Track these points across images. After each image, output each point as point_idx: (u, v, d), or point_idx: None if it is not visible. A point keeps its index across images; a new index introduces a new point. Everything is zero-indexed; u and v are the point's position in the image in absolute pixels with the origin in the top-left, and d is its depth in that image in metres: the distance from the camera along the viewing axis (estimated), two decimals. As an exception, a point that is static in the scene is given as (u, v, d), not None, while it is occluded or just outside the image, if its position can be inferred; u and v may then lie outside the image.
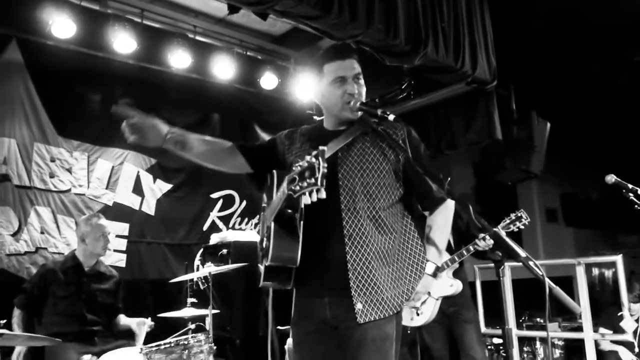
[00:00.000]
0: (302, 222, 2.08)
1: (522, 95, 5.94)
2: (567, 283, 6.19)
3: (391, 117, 2.13)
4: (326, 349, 2.19)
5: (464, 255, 4.05)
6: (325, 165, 1.73)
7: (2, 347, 3.04)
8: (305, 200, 1.76)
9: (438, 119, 5.48)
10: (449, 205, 2.31)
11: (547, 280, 1.84)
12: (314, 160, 1.73)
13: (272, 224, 2.09)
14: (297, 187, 1.74)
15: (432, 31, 4.43)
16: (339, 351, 2.14)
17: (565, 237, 9.74)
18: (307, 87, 5.67)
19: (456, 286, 4.12)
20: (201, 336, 3.42)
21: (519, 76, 5.88)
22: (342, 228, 2.13)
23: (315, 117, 6.32)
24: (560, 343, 5.05)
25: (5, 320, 3.10)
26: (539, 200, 9.18)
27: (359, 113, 2.22)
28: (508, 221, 4.04)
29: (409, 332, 4.60)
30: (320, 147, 1.76)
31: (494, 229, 1.97)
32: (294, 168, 1.79)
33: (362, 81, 2.28)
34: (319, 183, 1.71)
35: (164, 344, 3.31)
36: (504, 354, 5.18)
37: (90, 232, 3.93)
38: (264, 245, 2.25)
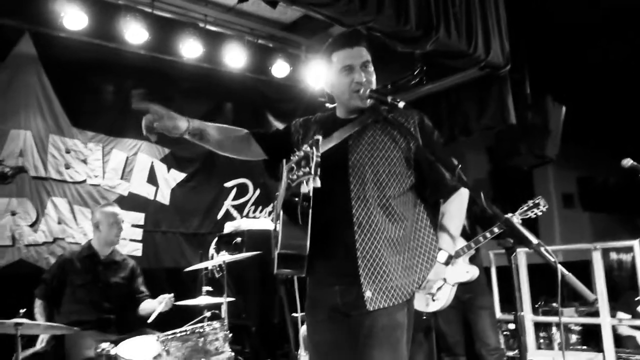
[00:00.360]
0: (310, 210, 2.06)
1: (536, 80, 5.87)
2: (584, 268, 6.13)
3: (401, 104, 2.12)
4: (338, 336, 2.20)
5: (480, 242, 4.04)
6: (319, 154, 1.76)
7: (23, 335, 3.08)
8: (303, 189, 1.77)
9: (451, 104, 5.42)
10: (463, 193, 2.28)
11: (559, 267, 1.82)
12: (308, 149, 1.75)
13: (281, 213, 2.11)
14: (295, 176, 1.78)
15: (443, 16, 4.38)
16: (351, 338, 2.14)
17: (583, 222, 9.63)
18: (319, 75, 5.65)
19: (472, 272, 4.12)
20: (216, 324, 3.46)
21: (534, 60, 5.81)
22: (352, 216, 2.13)
23: (327, 105, 6.30)
24: (577, 328, 5.01)
25: (25, 310, 3.14)
26: (555, 185, 9.07)
27: (369, 101, 2.20)
28: (525, 208, 4.04)
29: (424, 317, 4.62)
30: (315, 137, 1.77)
31: (506, 216, 1.94)
32: (291, 157, 1.80)
33: (371, 69, 2.27)
34: (312, 172, 1.74)
35: (180, 332, 3.35)
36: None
37: (104, 220, 4.02)
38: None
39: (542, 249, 1.84)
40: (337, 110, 2.38)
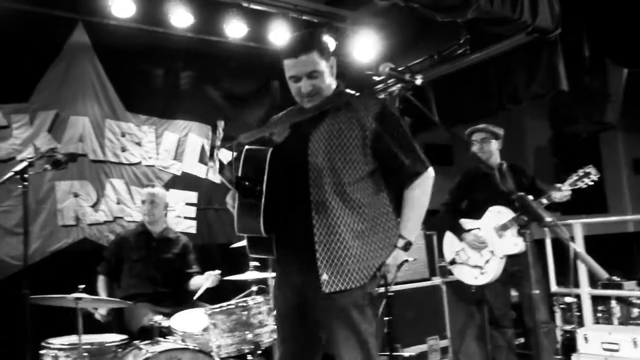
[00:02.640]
0: (262, 195, 2.17)
1: (596, 42, 5.53)
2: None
3: (419, 81, 2.19)
4: (301, 315, 2.31)
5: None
6: (218, 137, 2.04)
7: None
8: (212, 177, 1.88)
9: (499, 73, 5.22)
10: (426, 178, 2.31)
11: (572, 245, 1.79)
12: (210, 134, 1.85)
13: (236, 197, 2.22)
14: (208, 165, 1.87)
15: (485, -19, 4.21)
16: (311, 320, 2.27)
17: (656, 190, 9.11)
18: (365, 47, 5.63)
19: (520, 245, 4.03)
20: (260, 298, 3.57)
21: (593, 21, 5.47)
22: (310, 202, 2.20)
23: (374, 78, 6.24)
24: (639, 302, 4.80)
25: (84, 285, 3.36)
26: (625, 150, 8.56)
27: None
28: (575, 178, 3.89)
29: (473, 290, 4.59)
30: (217, 121, 1.87)
31: (519, 193, 1.91)
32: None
33: (319, 74, 2.26)
34: (213, 160, 1.84)
35: (226, 305, 3.49)
36: (577, 313, 5.02)
37: (141, 200, 4.32)
38: None
39: (555, 227, 1.81)
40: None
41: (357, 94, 2.15)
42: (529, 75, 4.94)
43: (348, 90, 2.26)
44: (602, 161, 7.89)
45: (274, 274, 2.53)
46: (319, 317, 2.23)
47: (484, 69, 5.34)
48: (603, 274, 1.84)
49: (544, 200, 3.87)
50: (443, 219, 4.45)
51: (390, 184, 2.33)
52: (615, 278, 4.95)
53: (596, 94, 5.37)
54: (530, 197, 1.96)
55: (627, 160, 8.59)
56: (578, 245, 4.88)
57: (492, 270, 4.13)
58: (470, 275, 4.27)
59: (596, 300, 4.90)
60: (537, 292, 2.11)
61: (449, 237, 4.43)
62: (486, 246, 4.14)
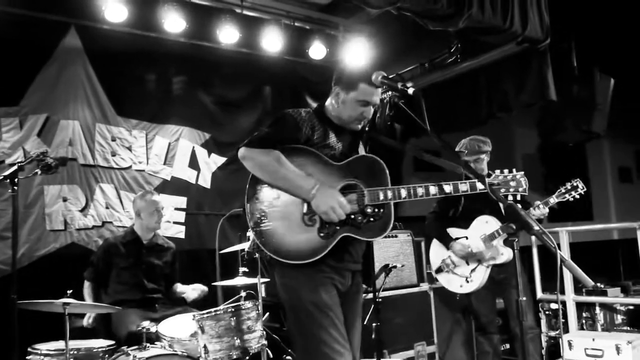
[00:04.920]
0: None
1: (584, 51, 5.60)
2: None
3: (411, 90, 2.35)
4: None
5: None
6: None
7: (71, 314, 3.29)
8: None
9: (489, 81, 5.29)
10: None
11: (559, 252, 1.82)
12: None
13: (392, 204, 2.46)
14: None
15: (477, -10, 4.27)
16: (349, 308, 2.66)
17: (642, 198, 9.22)
18: (357, 55, 5.66)
19: (507, 254, 4.08)
20: (249, 304, 3.58)
21: (581, 31, 5.54)
22: None
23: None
24: (623, 309, 4.86)
25: (72, 290, 3.34)
26: (611, 159, 8.68)
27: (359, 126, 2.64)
28: (563, 191, 3.96)
29: (457, 298, 4.63)
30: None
31: (509, 202, 1.95)
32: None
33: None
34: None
35: (214, 311, 3.50)
36: (563, 320, 5.07)
37: (145, 208, 4.21)
38: (374, 216, 2.48)
39: (543, 235, 1.84)
40: (332, 114, 2.64)
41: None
42: (519, 84, 5.00)
43: None
44: (588, 169, 7.99)
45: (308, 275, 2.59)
46: (351, 309, 2.64)
47: (475, 77, 5.39)
48: (589, 282, 1.88)
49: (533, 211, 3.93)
50: (430, 226, 4.48)
51: None
52: (599, 285, 4.99)
53: (584, 103, 5.43)
54: (519, 206, 1.99)
55: (612, 168, 8.70)
56: (564, 253, 4.94)
57: (478, 279, 4.17)
58: (456, 284, 4.31)
59: (581, 306, 4.94)
60: (524, 298, 2.15)
61: (435, 245, 4.47)
62: (474, 255, 4.18)
